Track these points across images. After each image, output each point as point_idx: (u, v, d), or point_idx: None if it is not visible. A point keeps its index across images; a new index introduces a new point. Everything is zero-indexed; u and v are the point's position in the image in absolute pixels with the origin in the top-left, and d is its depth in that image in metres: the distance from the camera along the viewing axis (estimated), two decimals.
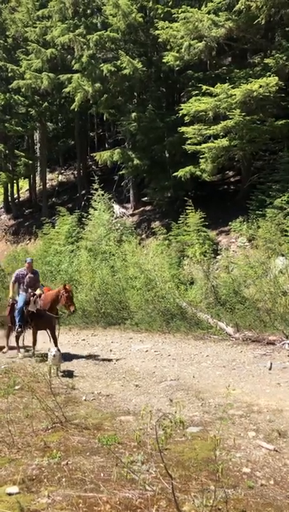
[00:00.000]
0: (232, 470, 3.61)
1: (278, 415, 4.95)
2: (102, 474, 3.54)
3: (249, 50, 16.82)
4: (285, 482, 3.45)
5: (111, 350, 9.13)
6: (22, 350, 9.08)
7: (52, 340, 8.55)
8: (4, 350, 9.29)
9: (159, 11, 16.36)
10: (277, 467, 3.71)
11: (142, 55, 17.51)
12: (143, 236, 17.01)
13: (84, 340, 10.44)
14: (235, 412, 5.11)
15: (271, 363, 7.23)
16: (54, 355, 7.31)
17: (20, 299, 8.86)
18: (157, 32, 15.45)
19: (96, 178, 17.27)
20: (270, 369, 7.03)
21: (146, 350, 8.84)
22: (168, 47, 15.50)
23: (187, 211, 14.45)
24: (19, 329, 8.79)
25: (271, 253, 11.34)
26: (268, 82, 12.68)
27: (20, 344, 9.05)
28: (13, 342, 9.17)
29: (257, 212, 13.09)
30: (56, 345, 8.29)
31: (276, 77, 12.75)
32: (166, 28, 15.16)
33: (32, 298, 8.73)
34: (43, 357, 7.58)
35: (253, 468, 3.67)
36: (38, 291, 8.81)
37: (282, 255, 10.97)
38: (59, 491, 3.28)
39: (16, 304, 9.00)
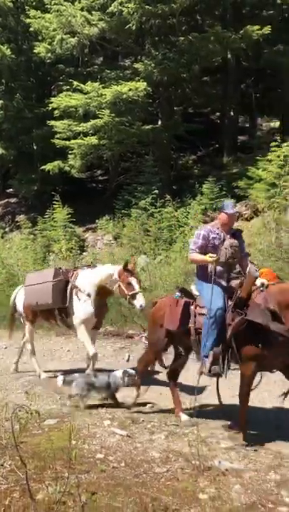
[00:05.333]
0: (86, 457, 3.75)
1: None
2: None
3: (121, 53, 17.25)
4: (135, 463, 3.70)
5: None
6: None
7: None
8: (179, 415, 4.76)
9: None
10: (128, 450, 3.96)
11: (12, 42, 16.82)
12: (6, 229, 16.39)
13: None
14: (93, 402, 5.27)
15: (129, 355, 7.61)
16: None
17: (217, 294, 4.30)
18: (29, 20, 15.03)
19: None
20: (127, 361, 7.39)
21: (6, 347, 8.59)
22: (40, 37, 15.18)
23: (54, 206, 14.32)
24: (213, 366, 4.27)
25: (135, 251, 11.82)
26: (137, 86, 13.16)
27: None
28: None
29: (123, 211, 13.51)
30: None
31: (145, 83, 13.30)
32: (39, 17, 14.83)
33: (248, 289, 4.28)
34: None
35: (106, 454, 3.86)
36: (257, 278, 4.31)
37: (145, 254, 11.51)
38: None
39: (194, 302, 4.59)
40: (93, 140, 13.84)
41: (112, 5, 13.38)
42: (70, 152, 14.43)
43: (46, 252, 13.61)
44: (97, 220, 14.72)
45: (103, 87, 13.51)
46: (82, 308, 5.97)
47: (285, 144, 11.27)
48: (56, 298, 6.08)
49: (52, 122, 14.49)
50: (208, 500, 3.13)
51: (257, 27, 12.84)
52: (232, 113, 15.97)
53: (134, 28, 13.39)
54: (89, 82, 13.75)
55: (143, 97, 13.38)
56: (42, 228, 14.47)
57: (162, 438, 4.23)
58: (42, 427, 4.46)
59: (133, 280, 5.71)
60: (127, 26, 13.40)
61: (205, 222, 11.84)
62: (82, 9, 14.10)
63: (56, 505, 2.85)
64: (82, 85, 13.84)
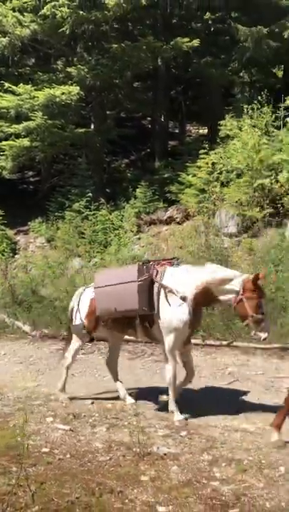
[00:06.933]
0: (32, 452, 3.91)
1: (73, 401, 5.44)
2: None
3: (53, 55, 17.24)
4: (80, 454, 3.92)
5: None
6: None
7: None
8: None
9: None
10: (72, 443, 4.17)
11: None
12: None
13: None
14: (34, 402, 5.40)
15: None
16: None
17: None
18: None
19: None
20: None
21: None
22: None
23: None
24: None
25: (69, 254, 11.91)
26: (70, 90, 13.32)
27: None
28: None
29: (56, 214, 13.54)
30: None
31: (78, 87, 13.47)
32: None
33: None
34: None
35: (51, 448, 4.05)
36: None
37: (79, 256, 11.65)
38: None
39: None
40: (25, 142, 13.78)
41: (45, 8, 13.41)
42: (1, 153, 14.23)
43: None
44: (29, 223, 14.61)
45: (36, 90, 13.51)
46: (175, 314, 4.66)
47: (213, 152, 11.92)
48: (143, 302, 4.72)
49: None
50: (149, 481, 3.43)
51: (187, 39, 13.47)
52: (162, 119, 16.52)
53: (67, 32, 13.52)
54: (21, 84, 13.66)
55: (76, 100, 13.55)
56: None
57: (104, 430, 4.48)
58: None
59: (263, 302, 4.60)
60: (60, 30, 13.50)
61: (138, 225, 12.26)
62: (13, 10, 13.99)
63: (7, 496, 3.01)
64: (14, 87, 13.72)
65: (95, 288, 5.18)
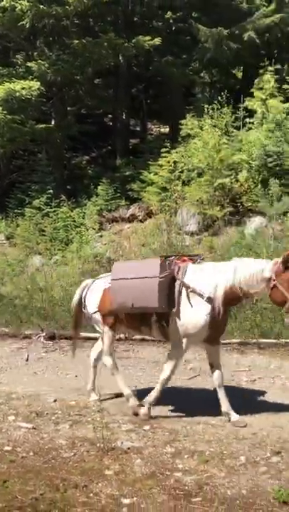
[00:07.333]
0: None
1: (36, 399, 5.38)
2: None
3: (12, 49, 16.90)
4: (43, 452, 3.91)
5: None
6: None
7: None
8: None
9: None
10: (35, 441, 4.15)
11: None
12: None
13: None
14: None
15: (28, 355, 7.63)
16: None
17: None
18: None
19: None
20: (26, 360, 7.43)
21: None
22: None
23: None
24: None
25: (29, 251, 11.75)
26: (31, 85, 13.12)
27: None
28: None
29: (16, 210, 13.30)
30: None
31: (38, 82, 13.28)
32: None
33: None
34: None
35: (14, 446, 4.01)
36: None
37: (39, 254, 11.51)
38: None
39: None
40: None
41: (4, 0, 13.13)
42: None
43: None
44: None
45: None
46: (195, 317, 4.39)
47: (175, 151, 12.04)
48: (163, 300, 4.39)
49: None
50: (113, 474, 3.47)
51: (148, 37, 13.55)
52: (123, 116, 16.54)
53: (27, 25, 13.30)
54: None
55: (36, 96, 13.36)
56: None
57: (67, 427, 4.47)
58: None
59: None
60: (20, 23, 13.28)
61: (100, 223, 12.24)
62: None
63: None
64: None
65: (111, 280, 4.77)
